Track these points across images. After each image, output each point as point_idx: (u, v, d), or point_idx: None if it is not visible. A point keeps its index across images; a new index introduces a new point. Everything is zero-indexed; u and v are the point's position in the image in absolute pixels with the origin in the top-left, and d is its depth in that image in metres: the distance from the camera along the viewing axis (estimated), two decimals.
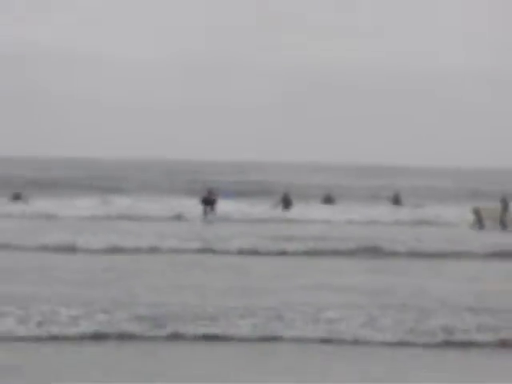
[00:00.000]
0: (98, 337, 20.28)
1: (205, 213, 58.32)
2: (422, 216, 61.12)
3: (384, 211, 64.05)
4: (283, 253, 38.31)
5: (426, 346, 20.49)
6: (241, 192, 75.13)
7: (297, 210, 63.01)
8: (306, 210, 63.12)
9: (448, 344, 20.59)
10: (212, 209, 58.47)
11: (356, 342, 20.56)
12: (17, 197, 66.51)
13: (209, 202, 58.81)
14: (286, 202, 65.50)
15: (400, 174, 78.33)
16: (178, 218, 57.27)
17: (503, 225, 56.62)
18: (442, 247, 40.45)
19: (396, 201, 71.22)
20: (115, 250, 37.94)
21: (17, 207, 61.71)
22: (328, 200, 71.30)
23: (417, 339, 20.75)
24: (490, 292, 27.92)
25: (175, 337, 20.42)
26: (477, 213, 57.11)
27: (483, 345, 20.60)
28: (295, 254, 38.29)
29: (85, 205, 63.03)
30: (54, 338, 20.03)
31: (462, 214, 59.00)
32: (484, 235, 50.18)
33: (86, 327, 20.67)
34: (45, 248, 37.72)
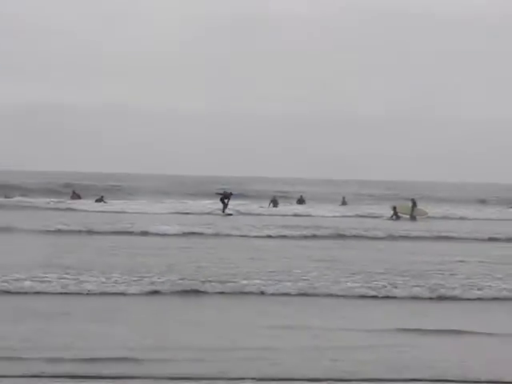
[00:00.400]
0: (153, 293, 20.05)
1: (224, 208, 57.20)
2: (359, 212, 60.32)
3: (336, 209, 63.54)
4: (280, 236, 37.59)
5: (374, 297, 20.33)
6: (243, 195, 74.03)
7: (282, 208, 62.87)
8: (287, 208, 62.91)
9: (390, 297, 20.40)
10: (227, 203, 57.21)
11: (325, 295, 20.33)
12: (99, 199, 66.20)
13: (225, 197, 57.68)
14: (275, 203, 65.62)
15: (347, 184, 78.16)
16: (208, 213, 55.78)
17: (412, 217, 56.87)
18: (375, 232, 39.96)
19: (343, 203, 71.09)
20: (175, 235, 37.09)
21: (100, 206, 60.94)
22: (300, 201, 71.10)
23: (368, 292, 20.55)
24: (411, 261, 27.49)
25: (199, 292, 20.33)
26: (394, 209, 57.28)
27: (418, 298, 20.39)
28: (287, 237, 37.54)
29: (145, 204, 61.77)
30: (122, 294, 19.82)
31: (385, 210, 58.90)
32: (398, 224, 49.95)
33: (143, 286, 20.36)
34: (126, 232, 37.25)
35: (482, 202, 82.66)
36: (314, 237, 37.93)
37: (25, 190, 74.74)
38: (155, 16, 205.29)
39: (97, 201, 64.89)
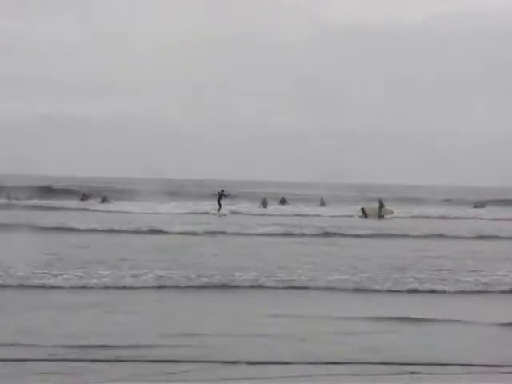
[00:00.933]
0: (158, 287, 19.40)
1: (219, 208, 56.48)
2: (335, 212, 59.64)
3: (316, 209, 63.20)
4: (271, 234, 36.64)
5: (355, 290, 19.86)
6: (236, 196, 73.38)
7: (270, 208, 62.32)
8: (275, 208, 62.43)
9: (367, 290, 19.77)
10: (220, 204, 56.65)
11: (312, 288, 19.75)
12: (104, 200, 65.60)
13: (220, 198, 57.43)
14: (265, 203, 65.33)
15: (324, 186, 78.13)
16: (207, 212, 55.15)
17: (380, 216, 57.07)
18: (352, 230, 39.36)
19: (322, 203, 70.99)
20: (180, 233, 35.89)
21: (104, 206, 60.37)
22: (283, 202, 70.75)
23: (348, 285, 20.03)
24: (381, 256, 26.89)
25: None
26: (362, 209, 57.56)
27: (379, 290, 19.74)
28: (277, 235, 36.68)
29: (149, 205, 59.57)
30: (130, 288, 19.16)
31: (356, 210, 58.85)
32: (366, 222, 50.16)
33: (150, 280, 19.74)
34: (139, 231, 35.98)
35: (448, 201, 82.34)
36: (301, 235, 37.15)
37: (34, 192, 70.44)
38: (156, 26, 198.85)
39: (102, 201, 64.37)
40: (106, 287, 19.20)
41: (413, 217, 57.17)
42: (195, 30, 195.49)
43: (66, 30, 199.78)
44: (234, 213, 55.83)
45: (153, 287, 19.43)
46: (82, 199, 67.79)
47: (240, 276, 20.57)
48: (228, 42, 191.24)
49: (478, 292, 19.85)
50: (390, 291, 19.72)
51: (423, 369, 11.67)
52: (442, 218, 57.26)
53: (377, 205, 59.46)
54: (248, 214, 55.11)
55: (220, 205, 57.32)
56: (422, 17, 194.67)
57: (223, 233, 36.47)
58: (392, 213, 58.56)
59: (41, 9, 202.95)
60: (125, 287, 19.23)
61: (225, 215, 53.95)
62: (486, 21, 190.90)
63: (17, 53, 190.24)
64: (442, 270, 22.81)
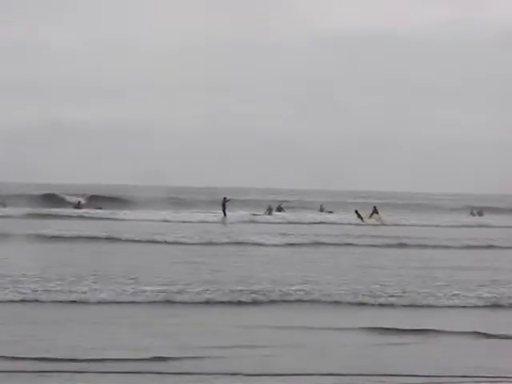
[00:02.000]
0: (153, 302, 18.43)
1: (224, 215, 55.20)
2: (334, 219, 59.08)
3: (315, 215, 62.50)
4: (275, 245, 34.83)
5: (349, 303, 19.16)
6: (242, 204, 72.41)
7: (275, 216, 60.67)
8: (281, 216, 60.48)
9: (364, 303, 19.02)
10: (225, 211, 55.47)
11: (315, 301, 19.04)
12: (99, 207, 63.91)
13: (225, 204, 56.23)
14: (270, 211, 64.50)
15: (323, 193, 77.63)
16: (211, 222, 52.89)
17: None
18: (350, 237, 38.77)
19: (321, 210, 70.35)
20: (182, 243, 33.77)
21: (101, 214, 57.27)
22: (279, 209, 69.12)
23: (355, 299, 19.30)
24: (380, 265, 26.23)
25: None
26: (356, 212, 57.95)
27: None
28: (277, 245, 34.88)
29: (149, 212, 56.79)
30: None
31: (352, 215, 58.46)
32: (364, 229, 48.89)
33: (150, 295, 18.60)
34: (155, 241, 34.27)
35: (451, 209, 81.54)
36: (317, 244, 35.65)
37: (28, 200, 66.91)
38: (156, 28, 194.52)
39: (96, 208, 62.96)
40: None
41: (398, 224, 55.88)
42: (195, 34, 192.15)
43: (64, 33, 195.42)
44: (239, 221, 54.11)
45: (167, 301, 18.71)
46: (76, 207, 65.50)
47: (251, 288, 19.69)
48: (227, 46, 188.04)
49: None
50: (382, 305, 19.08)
51: None
52: (450, 226, 55.52)
53: (370, 211, 59.13)
54: (255, 222, 53.62)
55: (225, 213, 56.37)
56: (422, 23, 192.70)
57: (241, 243, 34.37)
58: (380, 218, 58.38)
59: (40, 12, 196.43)
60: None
61: (231, 223, 52.40)
62: (486, 27, 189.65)
63: (16, 58, 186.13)
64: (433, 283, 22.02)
